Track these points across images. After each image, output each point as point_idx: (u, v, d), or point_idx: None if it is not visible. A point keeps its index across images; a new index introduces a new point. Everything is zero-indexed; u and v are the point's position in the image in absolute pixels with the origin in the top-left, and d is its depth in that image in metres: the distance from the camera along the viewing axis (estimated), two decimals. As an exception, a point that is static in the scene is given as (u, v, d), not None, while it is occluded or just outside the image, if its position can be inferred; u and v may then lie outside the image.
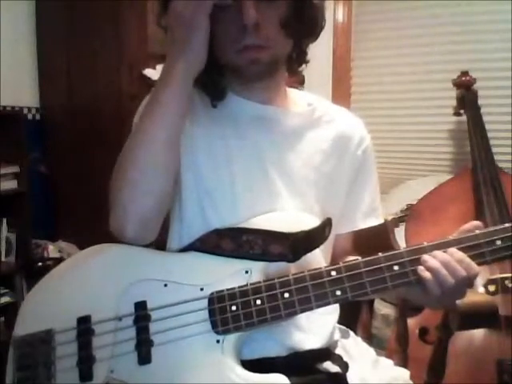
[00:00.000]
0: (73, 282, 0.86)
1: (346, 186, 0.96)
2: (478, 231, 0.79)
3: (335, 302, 0.79)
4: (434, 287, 0.76)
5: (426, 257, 0.77)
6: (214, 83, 0.89)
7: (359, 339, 1.02)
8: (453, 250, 0.77)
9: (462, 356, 1.41)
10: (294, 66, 0.94)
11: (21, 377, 0.82)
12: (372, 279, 0.77)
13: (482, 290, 1.49)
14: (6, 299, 2.26)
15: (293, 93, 0.99)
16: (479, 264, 0.77)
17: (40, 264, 2.32)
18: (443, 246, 0.78)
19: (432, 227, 1.70)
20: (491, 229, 0.79)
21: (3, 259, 2.28)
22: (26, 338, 0.83)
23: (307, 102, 0.98)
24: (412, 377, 0.97)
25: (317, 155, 0.93)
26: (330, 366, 0.87)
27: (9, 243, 2.31)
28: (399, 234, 1.68)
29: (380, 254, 0.79)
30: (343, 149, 0.95)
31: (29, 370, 0.81)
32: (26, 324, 0.85)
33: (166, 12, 0.82)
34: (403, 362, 1.34)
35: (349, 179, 0.96)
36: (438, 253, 0.77)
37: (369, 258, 0.79)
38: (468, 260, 0.76)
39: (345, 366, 0.88)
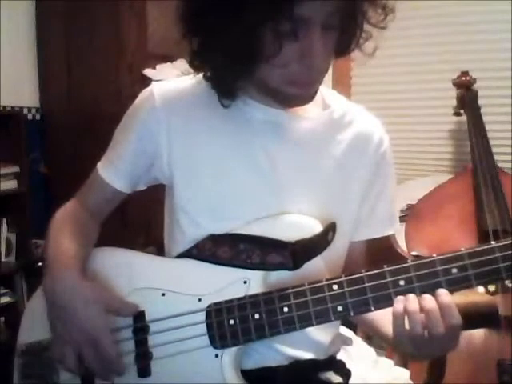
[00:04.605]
0: None
1: (361, 189, 0.89)
2: (493, 243, 0.69)
3: (336, 319, 0.74)
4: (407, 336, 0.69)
5: (410, 305, 0.68)
6: (227, 83, 0.80)
7: (359, 339, 1.02)
8: (442, 292, 0.68)
9: (462, 356, 1.41)
10: None
11: None
12: (376, 295, 0.71)
13: (481, 289, 1.49)
14: (5, 299, 2.26)
15: None
16: (494, 281, 0.70)
17: (40, 264, 2.31)
18: (454, 259, 0.70)
19: (432, 227, 1.70)
20: (510, 241, 0.69)
21: (3, 259, 2.28)
22: (29, 346, 0.83)
23: (325, 103, 0.90)
24: (412, 377, 0.97)
25: (331, 161, 0.86)
26: (332, 377, 0.85)
27: (9, 243, 2.31)
28: (399, 235, 1.68)
29: (385, 267, 0.72)
30: (361, 150, 0.89)
31: (33, 379, 0.81)
32: (29, 332, 0.85)
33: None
34: (403, 362, 1.34)
35: (365, 182, 0.89)
36: (426, 298, 0.68)
37: (373, 272, 0.72)
38: (453, 310, 0.68)
39: (347, 375, 0.87)
